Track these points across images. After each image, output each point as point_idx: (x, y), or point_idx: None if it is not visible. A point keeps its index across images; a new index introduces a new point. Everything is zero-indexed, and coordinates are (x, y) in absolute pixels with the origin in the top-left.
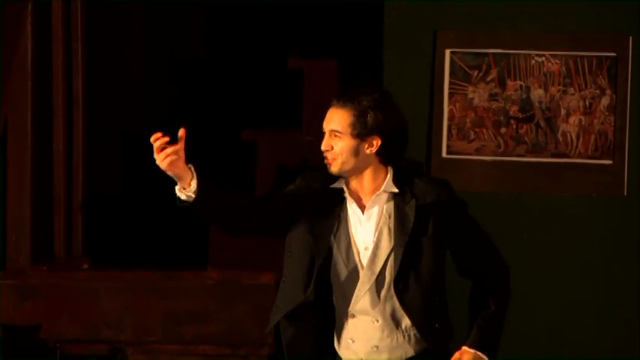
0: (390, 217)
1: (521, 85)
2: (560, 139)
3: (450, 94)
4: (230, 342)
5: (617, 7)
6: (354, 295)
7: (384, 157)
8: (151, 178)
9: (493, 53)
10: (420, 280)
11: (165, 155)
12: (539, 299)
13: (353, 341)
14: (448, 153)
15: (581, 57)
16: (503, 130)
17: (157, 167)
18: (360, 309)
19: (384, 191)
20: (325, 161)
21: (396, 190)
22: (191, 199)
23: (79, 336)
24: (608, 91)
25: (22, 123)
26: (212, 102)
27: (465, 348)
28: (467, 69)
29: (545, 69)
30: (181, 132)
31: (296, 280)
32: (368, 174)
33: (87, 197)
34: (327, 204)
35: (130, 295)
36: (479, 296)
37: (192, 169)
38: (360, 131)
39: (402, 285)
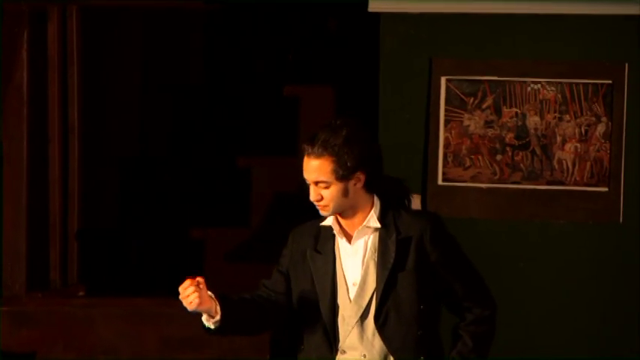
0: (374, 251)
1: (516, 113)
2: (556, 166)
3: (446, 121)
4: None
5: (613, 34)
6: (342, 330)
7: (369, 186)
8: (146, 206)
9: (489, 80)
10: (400, 314)
11: (190, 302)
12: (535, 327)
13: None
14: (444, 180)
15: (577, 84)
16: (498, 157)
17: (152, 194)
18: (349, 344)
19: (366, 226)
20: (317, 207)
21: (378, 226)
22: (218, 325)
23: None
24: (604, 119)
25: (18, 151)
26: (208, 129)
27: None
28: (462, 96)
29: (540, 96)
30: (200, 280)
31: (318, 341)
32: (357, 207)
33: (82, 225)
34: (322, 250)
35: (126, 322)
36: (458, 332)
37: (214, 297)
38: (344, 173)
39: (382, 319)
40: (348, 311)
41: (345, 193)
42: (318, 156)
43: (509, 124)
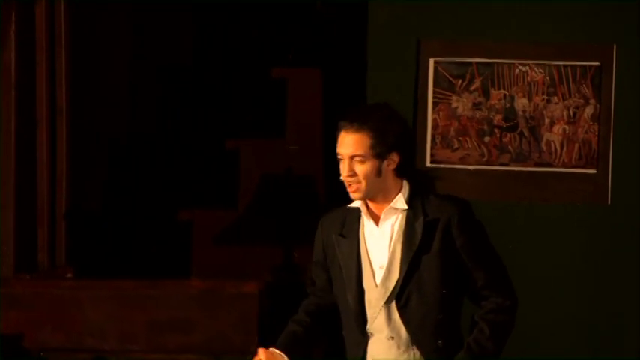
0: (402, 234)
1: (505, 95)
2: (544, 148)
3: (434, 104)
4: (213, 351)
5: (601, 17)
6: (370, 313)
7: (401, 170)
8: (134, 188)
9: (477, 62)
10: (422, 297)
11: None
12: (523, 308)
13: None
14: (432, 162)
15: (565, 66)
16: (487, 139)
17: (141, 176)
18: (377, 327)
19: (393, 208)
20: (349, 189)
21: (405, 207)
22: None
23: (62, 345)
24: (592, 101)
25: (6, 133)
26: (196, 111)
27: None
28: (451, 78)
29: (529, 78)
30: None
31: (351, 325)
32: (386, 190)
33: (71, 207)
34: (347, 234)
35: (114, 304)
36: (476, 320)
37: (280, 352)
38: (381, 151)
39: (404, 300)
40: (374, 294)
41: (379, 172)
42: (358, 130)
43: (497, 106)
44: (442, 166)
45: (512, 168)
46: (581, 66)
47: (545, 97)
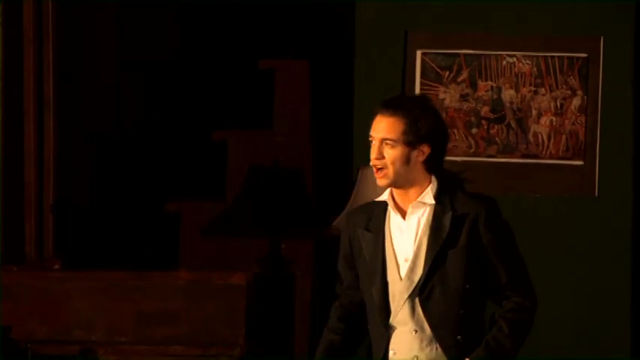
0: (428, 227)
1: (492, 86)
2: (532, 139)
3: None
4: (201, 342)
5: (588, 8)
6: (394, 306)
7: (430, 165)
8: (122, 179)
9: (464, 54)
10: (445, 291)
11: None
12: None
13: (395, 353)
14: None
15: (553, 57)
16: (474, 130)
17: (128, 168)
18: (400, 320)
19: (421, 202)
20: (375, 173)
21: (433, 202)
22: None
23: (49, 336)
24: (580, 92)
25: None
26: (184, 102)
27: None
28: (438, 70)
29: (516, 70)
30: None
31: (375, 318)
32: (414, 183)
33: (58, 199)
34: (372, 228)
35: (101, 295)
36: (495, 318)
37: None
38: (412, 139)
39: (427, 294)
40: (398, 287)
41: (407, 160)
42: (393, 114)
43: (484, 98)
44: None
45: (500, 159)
46: (568, 57)
47: (532, 88)
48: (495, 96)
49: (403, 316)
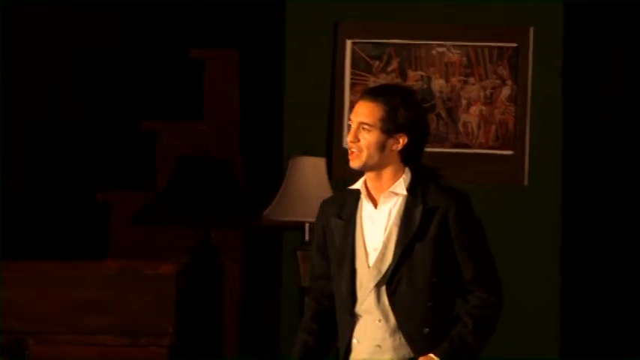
0: (399, 218)
1: (422, 76)
2: (461, 129)
3: (352, 85)
4: (130, 332)
5: None
6: (360, 294)
7: (406, 156)
8: (54, 170)
9: (394, 44)
10: (413, 283)
11: None
12: None
13: (358, 341)
14: None
15: (482, 47)
16: None
17: (61, 159)
18: (366, 308)
19: (392, 192)
20: (349, 156)
21: (405, 193)
22: None
23: None
24: (509, 82)
25: None
26: (114, 92)
27: (430, 354)
28: (368, 59)
29: (446, 59)
30: None
31: (341, 304)
32: (387, 172)
33: None
34: (344, 216)
35: (31, 285)
36: (460, 314)
37: None
38: (390, 127)
39: (394, 286)
40: (366, 276)
41: (382, 147)
42: (373, 100)
43: (414, 88)
44: None
45: (430, 149)
46: (498, 47)
47: (462, 78)
48: (425, 86)
49: (369, 305)
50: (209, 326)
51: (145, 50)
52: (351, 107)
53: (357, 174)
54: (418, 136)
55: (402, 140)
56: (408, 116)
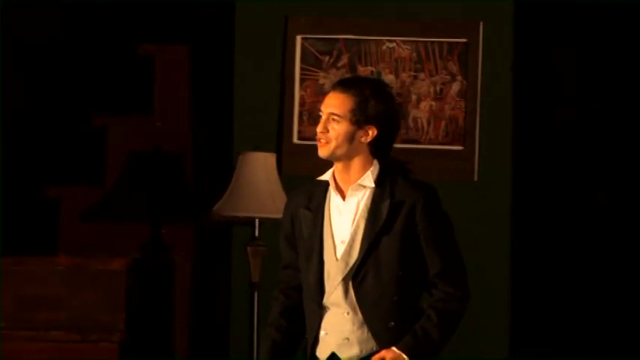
0: (367, 211)
1: (372, 71)
2: (411, 124)
3: (301, 80)
4: (81, 328)
5: None
6: (328, 286)
7: (375, 148)
8: (3, 165)
9: (344, 39)
10: (379, 276)
11: None
12: None
13: (326, 333)
14: (299, 138)
15: (432, 43)
16: None
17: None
18: (334, 301)
19: (360, 184)
20: (318, 144)
21: (372, 185)
22: None
23: None
24: (459, 77)
25: None
26: (64, 87)
27: (392, 347)
28: (318, 55)
29: (396, 55)
30: None
31: (309, 296)
32: (356, 164)
33: None
34: (312, 207)
35: None
36: (425, 308)
37: None
38: (359, 118)
39: (361, 279)
40: (334, 268)
41: (351, 139)
42: (344, 91)
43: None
44: (310, 142)
45: None
46: (448, 43)
47: (412, 73)
48: None
49: (336, 298)
50: (160, 322)
51: (95, 45)
52: (302, 103)
53: (309, 170)
54: (388, 128)
55: (372, 132)
56: (378, 108)
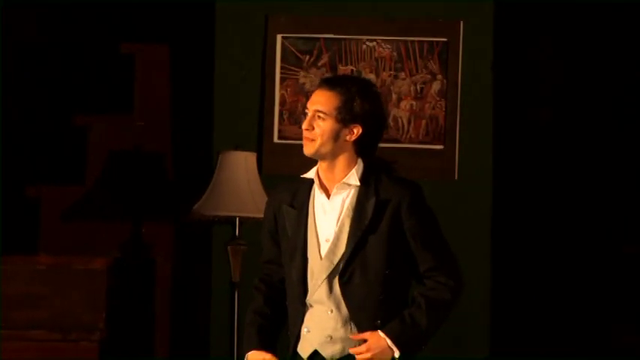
0: (352, 210)
1: (352, 70)
2: (392, 124)
3: (282, 79)
4: (61, 327)
5: None
6: (312, 284)
7: (360, 147)
8: None
9: (325, 38)
10: (365, 275)
11: None
12: None
13: (308, 331)
14: (279, 138)
15: (413, 42)
16: None
17: None
18: (317, 299)
19: (346, 183)
20: (303, 142)
21: (357, 184)
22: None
23: None
24: (439, 76)
25: None
26: (44, 86)
27: (377, 332)
28: (298, 54)
29: (376, 54)
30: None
31: (293, 294)
32: (340, 162)
33: None
34: (296, 205)
35: None
36: (414, 295)
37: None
38: (345, 117)
39: (347, 277)
40: (317, 266)
41: (336, 137)
42: (330, 89)
43: None
44: (290, 142)
45: None
46: (428, 42)
47: (392, 72)
48: None
49: (320, 296)
50: (140, 321)
51: (75, 44)
52: (282, 102)
53: (289, 169)
54: (373, 127)
55: (357, 131)
56: (364, 107)
